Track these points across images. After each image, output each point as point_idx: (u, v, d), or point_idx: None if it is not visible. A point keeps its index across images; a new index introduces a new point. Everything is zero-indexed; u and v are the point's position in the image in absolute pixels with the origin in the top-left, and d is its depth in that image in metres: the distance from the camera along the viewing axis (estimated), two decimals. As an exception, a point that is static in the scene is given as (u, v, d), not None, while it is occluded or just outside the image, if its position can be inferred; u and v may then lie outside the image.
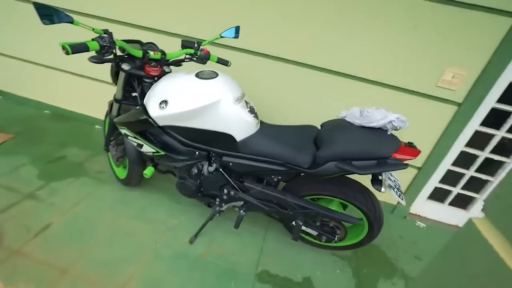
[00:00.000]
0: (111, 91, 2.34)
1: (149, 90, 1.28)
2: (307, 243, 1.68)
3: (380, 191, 1.16)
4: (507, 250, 0.50)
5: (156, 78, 1.31)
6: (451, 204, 2.18)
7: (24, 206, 1.60)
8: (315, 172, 1.20)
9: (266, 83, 1.95)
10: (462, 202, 2.16)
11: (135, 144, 1.39)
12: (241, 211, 1.51)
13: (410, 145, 1.16)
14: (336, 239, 1.46)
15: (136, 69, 1.26)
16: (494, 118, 1.80)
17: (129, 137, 1.38)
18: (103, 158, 2.12)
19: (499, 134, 1.84)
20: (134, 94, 1.41)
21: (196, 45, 1.34)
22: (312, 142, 1.29)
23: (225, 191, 1.47)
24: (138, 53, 1.19)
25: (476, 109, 1.73)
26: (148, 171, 1.47)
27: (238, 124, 1.24)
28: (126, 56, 1.27)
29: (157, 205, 1.80)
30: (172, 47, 1.60)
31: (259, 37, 1.83)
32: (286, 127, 1.38)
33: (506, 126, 1.81)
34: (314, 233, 1.48)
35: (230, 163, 1.35)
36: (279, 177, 1.38)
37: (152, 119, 1.24)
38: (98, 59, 1.15)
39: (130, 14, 1.99)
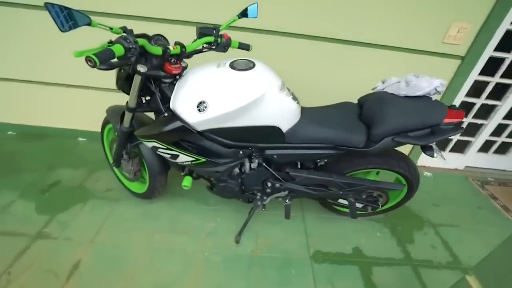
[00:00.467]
0: (91, 96, 2.04)
1: (173, 91, 1.11)
2: (342, 214, 1.74)
3: (433, 156, 1.20)
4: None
5: (177, 77, 1.15)
6: (451, 150, 2.40)
7: (37, 249, 1.38)
8: (372, 150, 1.20)
9: (278, 62, 1.84)
10: (460, 147, 2.39)
11: (168, 156, 1.24)
12: (287, 201, 1.48)
13: (454, 107, 1.20)
14: (380, 206, 1.54)
15: (155, 69, 1.08)
16: (491, 66, 1.95)
17: (159, 150, 1.22)
18: (104, 173, 1.89)
19: (494, 80, 2.01)
20: (146, 99, 1.23)
21: (214, 31, 1.17)
22: (358, 119, 1.27)
23: (269, 184, 1.41)
24: (158, 50, 1.00)
25: (478, 60, 1.84)
26: (188, 181, 1.34)
27: (285, 114, 1.16)
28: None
29: (186, 212, 1.69)
30: (176, 37, 1.40)
31: (262, 15, 1.68)
32: (325, 108, 1.33)
33: (500, 72, 1.97)
34: (360, 205, 1.53)
35: (275, 156, 1.29)
36: (325, 160, 1.36)
37: (190, 126, 1.11)
38: (110, 65, 0.95)
39: (115, 3, 1.67)
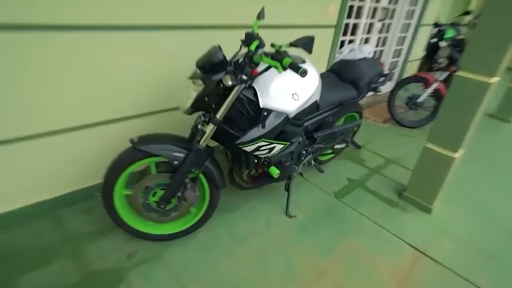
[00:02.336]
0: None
1: (257, 92, 1.57)
2: (328, 161, 2.80)
3: (380, 92, 2.45)
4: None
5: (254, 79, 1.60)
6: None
7: None
8: (362, 97, 2.25)
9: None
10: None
11: (266, 151, 1.66)
12: (313, 162, 2.30)
13: (377, 59, 2.49)
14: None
15: (248, 75, 1.49)
16: (346, 29, 3.56)
17: (261, 148, 1.62)
18: (98, 245, 1.79)
19: (346, 38, 3.69)
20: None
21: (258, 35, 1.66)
22: (341, 82, 2.27)
23: (304, 152, 2.16)
24: (278, 66, 1.41)
25: (341, 26, 3.36)
26: (274, 170, 1.82)
27: (320, 88, 1.95)
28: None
29: (231, 223, 2.05)
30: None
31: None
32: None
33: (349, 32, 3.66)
34: (343, 146, 2.61)
35: (309, 125, 2.05)
36: (330, 118, 2.28)
37: (288, 115, 1.62)
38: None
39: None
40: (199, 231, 1.94)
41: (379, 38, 4.30)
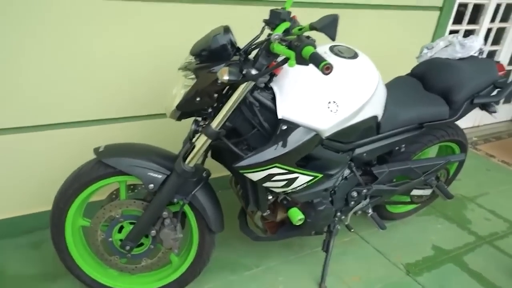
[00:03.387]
0: None
1: (276, 97, 1.67)
2: (393, 218, 2.75)
3: (495, 112, 2.39)
4: None
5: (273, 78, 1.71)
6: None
7: None
8: (457, 117, 2.21)
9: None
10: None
11: (283, 183, 1.73)
12: (370, 211, 2.30)
13: (496, 61, 2.44)
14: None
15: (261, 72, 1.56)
16: (457, 16, 3.56)
17: (274, 179, 1.69)
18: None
19: (463, 27, 3.66)
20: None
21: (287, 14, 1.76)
22: (427, 92, 2.27)
23: (354, 194, 2.17)
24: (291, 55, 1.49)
25: (453, 8, 3.37)
26: (296, 213, 1.89)
27: (382, 100, 1.95)
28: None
29: (240, 286, 2.14)
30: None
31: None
32: (389, 88, 2.23)
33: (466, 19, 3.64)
34: (428, 192, 2.56)
35: (364, 154, 2.05)
36: (403, 146, 2.28)
37: (320, 132, 1.68)
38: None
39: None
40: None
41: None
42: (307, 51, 1.37)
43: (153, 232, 1.81)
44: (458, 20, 3.59)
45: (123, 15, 2.15)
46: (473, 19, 3.73)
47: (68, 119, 2.23)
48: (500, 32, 4.09)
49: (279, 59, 1.57)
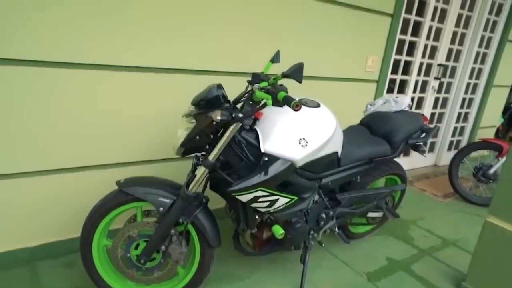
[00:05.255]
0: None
1: (260, 135, 1.60)
2: (355, 238, 2.59)
3: (425, 152, 2.34)
4: None
5: (257, 121, 1.65)
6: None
7: None
8: (397, 154, 2.15)
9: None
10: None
11: (266, 204, 1.62)
12: (336, 229, 2.16)
13: (421, 114, 2.43)
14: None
15: (247, 115, 1.55)
16: (390, 84, 3.60)
17: (259, 200, 1.58)
18: None
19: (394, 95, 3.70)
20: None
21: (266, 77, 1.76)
22: (372, 135, 2.22)
23: (323, 215, 2.04)
24: (268, 98, 1.48)
25: (386, 82, 3.41)
26: (278, 229, 1.74)
27: (340, 140, 1.91)
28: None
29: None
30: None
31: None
32: (345, 131, 2.18)
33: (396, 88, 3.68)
34: (380, 214, 2.43)
35: (329, 182, 1.97)
36: (359, 177, 2.19)
37: (294, 163, 1.60)
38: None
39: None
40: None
41: (436, 98, 4.23)
42: (281, 95, 1.36)
43: (163, 248, 1.67)
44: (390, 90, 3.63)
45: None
46: (401, 90, 3.79)
47: (98, 162, 2.12)
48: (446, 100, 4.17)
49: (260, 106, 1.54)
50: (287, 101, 1.31)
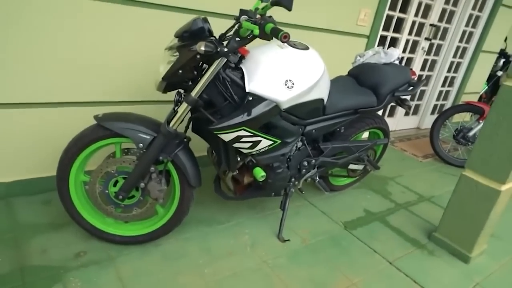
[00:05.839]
0: None
1: (245, 74, 1.56)
2: (335, 190, 2.64)
3: (410, 106, 2.34)
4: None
5: (243, 60, 1.59)
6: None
7: None
8: (383, 106, 2.14)
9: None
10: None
11: (249, 145, 1.60)
12: (317, 178, 2.18)
13: (409, 68, 2.40)
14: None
15: (233, 51, 1.48)
16: (380, 43, 3.54)
17: (242, 140, 1.56)
18: (44, 238, 1.76)
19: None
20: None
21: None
22: (359, 86, 2.20)
23: (305, 163, 2.05)
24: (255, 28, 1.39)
25: (376, 38, 3.34)
26: (259, 171, 1.74)
27: (327, 87, 1.88)
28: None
29: (209, 237, 1.95)
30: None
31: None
32: (332, 81, 2.15)
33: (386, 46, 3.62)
34: (361, 167, 2.46)
35: (314, 130, 1.95)
36: (343, 128, 2.19)
37: (279, 104, 1.57)
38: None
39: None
40: (165, 240, 1.87)
41: (425, 60, 4.21)
42: (269, 26, 1.31)
43: (142, 185, 1.65)
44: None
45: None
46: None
47: (79, 99, 2.05)
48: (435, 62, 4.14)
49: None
50: (274, 32, 1.26)
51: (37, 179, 2.07)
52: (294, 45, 1.72)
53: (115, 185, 1.68)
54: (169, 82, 1.55)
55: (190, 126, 1.80)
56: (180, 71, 1.49)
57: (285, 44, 1.70)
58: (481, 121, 3.48)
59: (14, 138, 1.93)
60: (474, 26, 4.39)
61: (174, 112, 1.59)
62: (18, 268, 1.58)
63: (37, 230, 1.82)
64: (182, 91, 1.65)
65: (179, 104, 1.59)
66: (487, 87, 5.43)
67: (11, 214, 1.91)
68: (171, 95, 1.70)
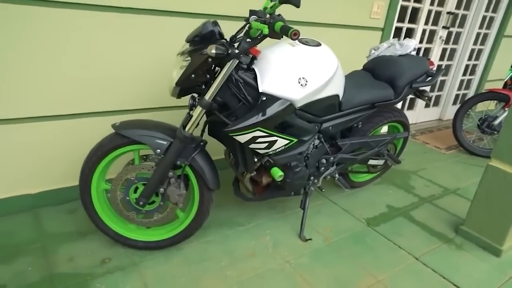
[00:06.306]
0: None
1: (258, 74, 1.56)
2: (361, 185, 2.61)
3: (429, 97, 2.28)
4: None
5: (255, 60, 1.60)
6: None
7: None
8: (400, 99, 2.10)
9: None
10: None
11: (265, 145, 1.60)
12: (337, 175, 2.16)
13: (427, 58, 2.34)
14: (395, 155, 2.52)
15: (245, 53, 1.49)
16: (396, 34, 3.47)
17: (258, 140, 1.56)
18: (68, 246, 1.82)
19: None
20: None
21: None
22: (375, 80, 2.16)
23: (324, 161, 2.03)
24: (264, 28, 1.38)
25: (391, 30, 3.28)
26: (277, 171, 1.74)
27: (342, 82, 1.86)
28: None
29: (230, 239, 1.96)
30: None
31: None
32: (347, 76, 2.12)
33: (402, 37, 3.55)
34: (381, 162, 2.42)
35: (330, 127, 1.93)
36: (361, 123, 2.16)
37: (293, 103, 1.57)
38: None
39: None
40: (187, 244, 1.89)
41: (444, 49, 4.09)
42: (278, 24, 1.30)
43: (162, 190, 1.67)
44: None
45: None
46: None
47: (97, 109, 2.10)
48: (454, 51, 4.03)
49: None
50: (284, 30, 1.26)
51: (62, 189, 2.13)
52: (305, 42, 1.71)
53: (135, 191, 1.71)
54: (183, 87, 1.56)
55: (206, 129, 1.81)
56: (193, 76, 1.50)
57: (296, 41, 1.69)
58: (506, 109, 3.36)
59: (37, 150, 1.99)
60: (494, 11, 4.24)
61: (189, 116, 1.60)
62: (48, 276, 1.63)
63: (64, 239, 1.87)
64: (196, 95, 1.66)
65: (194, 108, 1.60)
66: (511, 72, 5.24)
67: (39, 224, 1.97)
68: (186, 100, 1.72)
